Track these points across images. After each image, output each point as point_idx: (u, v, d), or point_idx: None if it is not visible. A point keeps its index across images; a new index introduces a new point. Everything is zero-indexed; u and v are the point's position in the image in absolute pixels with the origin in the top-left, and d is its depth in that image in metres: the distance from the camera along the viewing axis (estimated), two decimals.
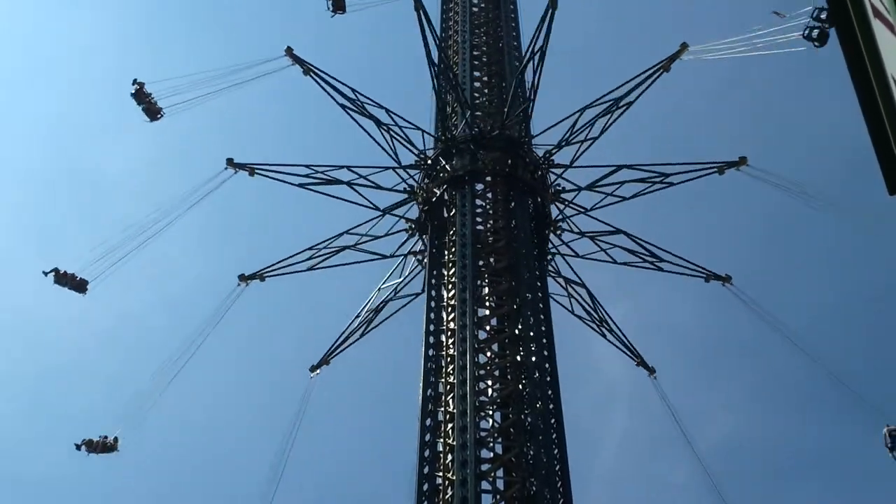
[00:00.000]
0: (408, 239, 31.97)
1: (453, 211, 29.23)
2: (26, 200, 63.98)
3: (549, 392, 26.13)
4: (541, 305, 28.18)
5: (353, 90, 31.41)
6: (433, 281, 28.76)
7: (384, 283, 32.60)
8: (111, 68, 66.08)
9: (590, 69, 60.06)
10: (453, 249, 28.05)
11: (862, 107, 10.38)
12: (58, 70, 67.63)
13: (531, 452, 24.09)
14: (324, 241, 32.36)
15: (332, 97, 31.52)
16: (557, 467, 24.61)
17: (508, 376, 25.89)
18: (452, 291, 27.26)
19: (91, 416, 50.46)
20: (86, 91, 67.24)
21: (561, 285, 32.09)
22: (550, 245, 31.50)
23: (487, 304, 27.72)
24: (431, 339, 27.09)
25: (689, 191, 32.51)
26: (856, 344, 55.29)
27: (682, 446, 32.46)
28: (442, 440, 24.24)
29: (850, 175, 48.34)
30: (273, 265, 32.95)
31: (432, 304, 27.95)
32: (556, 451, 24.87)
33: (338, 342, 33.00)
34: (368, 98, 31.53)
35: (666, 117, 53.81)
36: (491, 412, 25.36)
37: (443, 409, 24.85)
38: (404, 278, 32.21)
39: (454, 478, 22.64)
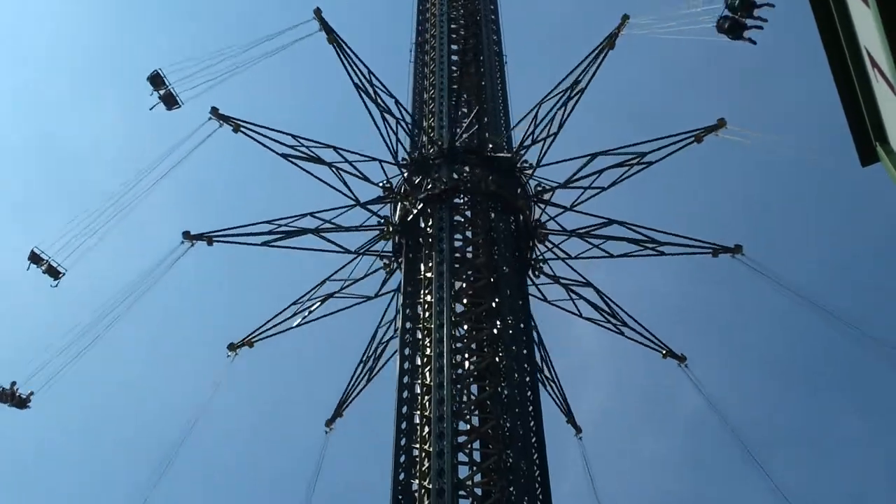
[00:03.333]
0: (375, 237, 30.65)
1: (429, 229, 28.09)
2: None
3: (526, 365, 26.26)
4: (518, 277, 28.27)
5: (370, 72, 29.85)
6: (410, 255, 28.59)
7: (334, 275, 31.24)
8: (83, 36, 65.58)
9: (604, 114, 58.23)
10: (430, 264, 27.04)
11: (835, 79, 10.45)
12: (29, 38, 66.70)
13: (508, 425, 24.22)
14: (285, 218, 30.72)
15: (348, 73, 29.79)
16: (534, 439, 24.72)
17: (485, 349, 25.97)
18: (430, 263, 27.26)
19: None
20: (58, 59, 66.54)
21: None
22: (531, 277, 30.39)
23: (464, 277, 27.77)
24: (408, 312, 27.14)
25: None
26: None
27: (661, 420, 32.49)
28: (419, 412, 24.29)
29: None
30: (224, 230, 31.02)
31: (409, 275, 27.93)
32: (532, 424, 25.00)
33: (267, 326, 31.51)
34: (383, 86, 30.06)
35: (678, 179, 52.54)
36: (468, 384, 25.46)
37: (420, 381, 24.90)
38: (361, 277, 31.00)
39: (431, 449, 22.70)
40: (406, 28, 36.21)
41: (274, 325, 31.42)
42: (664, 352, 31.80)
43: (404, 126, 30.31)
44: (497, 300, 26.80)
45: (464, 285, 27.49)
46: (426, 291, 26.73)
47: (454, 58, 33.22)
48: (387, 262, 30.76)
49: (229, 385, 31.80)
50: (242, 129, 30.37)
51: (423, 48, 34.90)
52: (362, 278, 31.12)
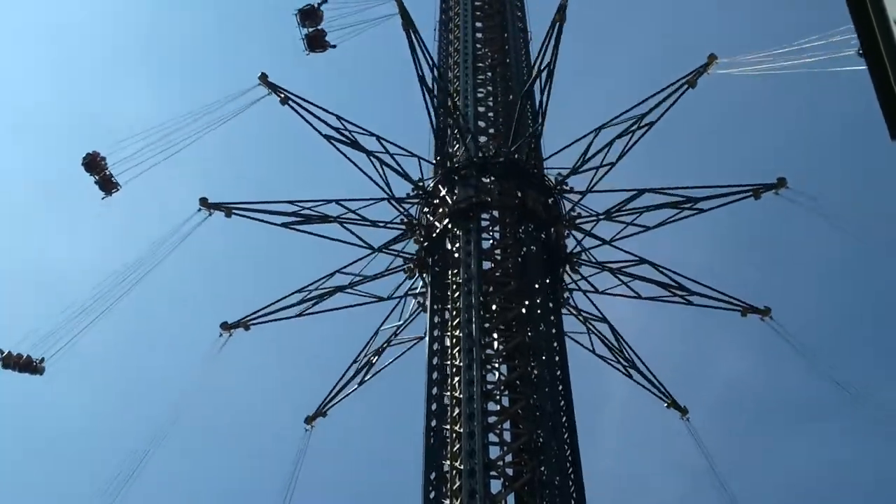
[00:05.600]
0: (406, 279, 29.89)
1: (457, 246, 26.98)
2: (34, 148, 63.39)
3: (555, 344, 26.21)
4: (545, 256, 27.99)
5: (339, 118, 28.92)
6: (437, 268, 27.73)
7: (383, 325, 30.46)
8: (118, 15, 65.81)
9: (604, 86, 56.51)
10: (457, 292, 26.02)
11: (864, 52, 10.22)
12: (64, 18, 66.86)
13: (538, 405, 24.18)
14: (314, 283, 30.01)
15: (314, 127, 29.06)
16: (564, 419, 24.71)
17: (514, 329, 25.88)
18: (457, 244, 27.07)
19: None
20: (94, 39, 66.80)
21: (580, 321, 29.88)
22: (567, 281, 29.43)
23: (493, 257, 27.68)
24: (437, 293, 27.11)
25: (718, 217, 30.17)
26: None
27: (692, 392, 31.37)
28: (449, 394, 24.32)
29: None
30: (258, 311, 30.46)
31: (438, 264, 27.76)
32: (562, 403, 24.97)
33: (334, 391, 30.80)
34: (356, 125, 29.04)
35: (690, 137, 50.61)
36: (497, 365, 25.41)
37: (449, 363, 24.90)
38: (404, 321, 30.17)
39: (462, 430, 22.75)
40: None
41: (274, 311, 30.67)
42: (742, 309, 30.06)
43: (392, 161, 29.10)
44: (522, 265, 26.65)
45: (491, 265, 27.35)
46: (454, 272, 26.67)
47: (481, 108, 31.35)
48: (410, 265, 29.75)
49: (317, 458, 31.36)
50: (235, 212, 29.69)
51: (447, 26, 34.49)
52: (379, 276, 30.26)
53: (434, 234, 28.09)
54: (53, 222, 60.55)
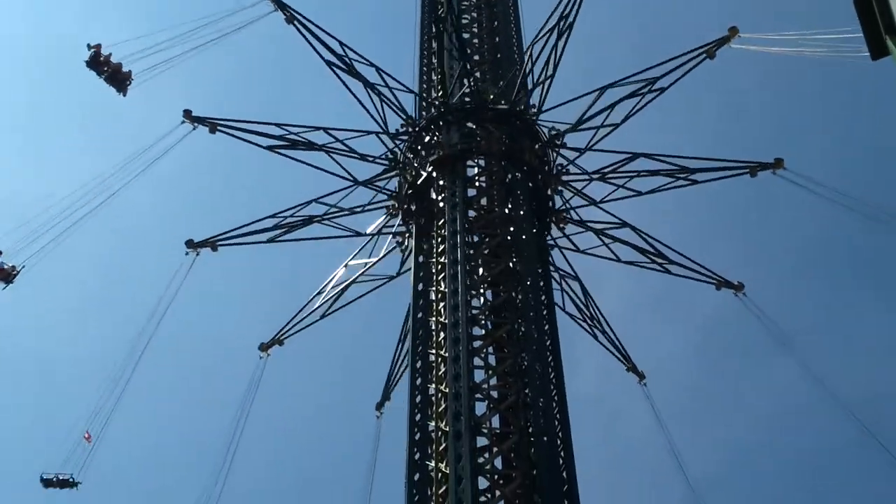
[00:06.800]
0: (386, 216, 29.70)
1: (441, 184, 26.72)
2: (11, 79, 62.41)
3: (540, 269, 26.42)
4: (529, 190, 27.80)
5: (342, 44, 28.21)
6: (422, 221, 27.34)
7: (351, 259, 30.28)
8: None
9: (610, 47, 55.79)
10: (441, 219, 25.91)
11: None
12: None
13: (522, 329, 24.48)
14: (289, 209, 29.51)
15: (316, 51, 28.37)
16: (548, 342, 25.04)
17: (499, 254, 26.08)
18: (442, 183, 26.95)
19: None
20: None
21: (555, 280, 29.38)
22: (549, 237, 29.15)
23: (478, 185, 27.72)
24: (422, 221, 27.22)
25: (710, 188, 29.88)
26: None
27: (676, 317, 31.63)
28: (434, 318, 24.58)
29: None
30: (228, 232, 29.83)
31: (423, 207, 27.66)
32: (546, 327, 25.30)
33: (293, 321, 30.62)
34: (358, 54, 28.41)
35: (692, 107, 49.76)
36: (482, 290, 25.65)
37: (434, 288, 25.12)
38: (378, 258, 29.84)
39: (447, 354, 23.08)
40: None
41: (244, 234, 30.09)
42: (717, 282, 30.43)
43: (389, 96, 28.58)
44: (509, 206, 26.79)
45: (475, 192, 27.41)
46: (439, 202, 26.74)
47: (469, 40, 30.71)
48: (400, 239, 29.68)
49: (270, 387, 31.31)
50: (220, 128, 28.85)
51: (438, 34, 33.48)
52: (358, 209, 29.93)
53: (419, 182, 27.75)
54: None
